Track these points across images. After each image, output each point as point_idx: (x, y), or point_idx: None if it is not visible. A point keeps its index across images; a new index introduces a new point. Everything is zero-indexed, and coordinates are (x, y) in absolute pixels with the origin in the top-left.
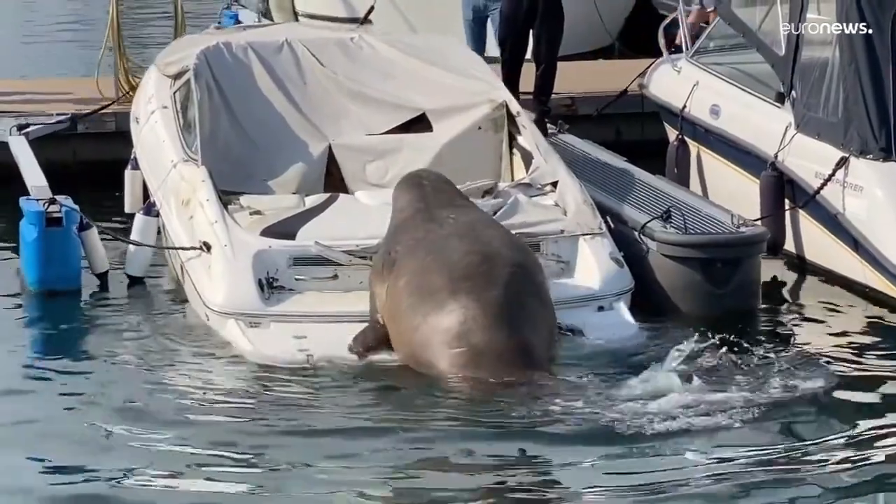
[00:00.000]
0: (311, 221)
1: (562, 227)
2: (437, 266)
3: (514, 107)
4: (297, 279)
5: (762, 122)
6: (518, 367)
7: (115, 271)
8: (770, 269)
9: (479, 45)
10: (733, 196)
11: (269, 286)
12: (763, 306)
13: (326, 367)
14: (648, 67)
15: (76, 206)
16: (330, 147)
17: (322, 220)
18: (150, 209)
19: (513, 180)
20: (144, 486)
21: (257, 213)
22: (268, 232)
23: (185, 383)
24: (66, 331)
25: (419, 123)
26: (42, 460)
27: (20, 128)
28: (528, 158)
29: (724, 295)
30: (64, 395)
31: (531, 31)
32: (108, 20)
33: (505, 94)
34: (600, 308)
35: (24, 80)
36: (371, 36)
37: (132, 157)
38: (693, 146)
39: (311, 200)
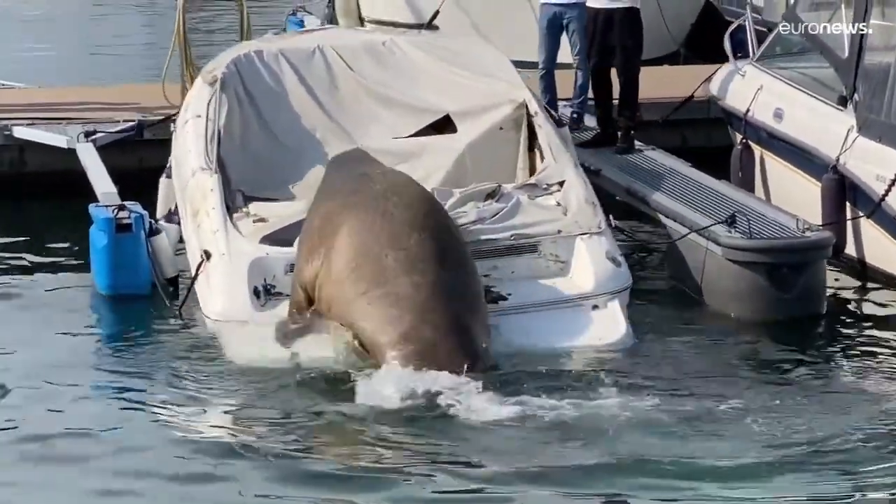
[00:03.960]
0: None
1: (559, 227)
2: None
3: (533, 106)
4: None
5: (825, 126)
6: (463, 357)
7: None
8: (832, 272)
9: (551, 51)
10: (796, 200)
11: (266, 293)
12: (827, 311)
13: (317, 372)
14: (714, 74)
15: (145, 212)
16: None
17: None
18: (171, 216)
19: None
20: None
21: (261, 220)
22: (267, 239)
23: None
24: (135, 335)
25: (447, 125)
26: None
27: (87, 135)
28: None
29: (789, 300)
30: (131, 395)
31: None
32: (175, 27)
33: (525, 94)
34: (595, 307)
35: (91, 88)
36: (401, 39)
37: (168, 165)
38: (757, 150)
39: None
